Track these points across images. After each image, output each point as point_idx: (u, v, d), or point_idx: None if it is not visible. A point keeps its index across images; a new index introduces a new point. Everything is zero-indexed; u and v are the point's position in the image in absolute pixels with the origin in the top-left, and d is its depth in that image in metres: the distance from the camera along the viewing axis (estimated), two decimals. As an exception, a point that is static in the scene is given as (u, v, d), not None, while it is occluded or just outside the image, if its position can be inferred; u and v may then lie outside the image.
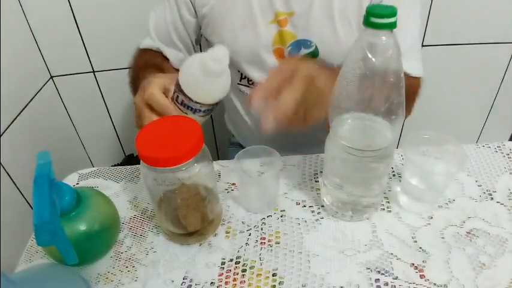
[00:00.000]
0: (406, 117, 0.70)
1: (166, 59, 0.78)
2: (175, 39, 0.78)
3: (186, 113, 0.51)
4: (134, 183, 0.64)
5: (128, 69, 0.77)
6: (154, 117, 0.51)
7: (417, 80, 0.71)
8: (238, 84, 0.77)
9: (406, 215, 0.54)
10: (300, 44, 0.69)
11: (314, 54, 0.70)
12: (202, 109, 0.50)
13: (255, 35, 0.70)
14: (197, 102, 0.49)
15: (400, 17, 0.59)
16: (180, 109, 0.50)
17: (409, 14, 0.68)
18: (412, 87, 0.69)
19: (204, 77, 0.47)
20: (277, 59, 0.72)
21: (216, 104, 0.52)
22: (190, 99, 0.49)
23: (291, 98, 0.46)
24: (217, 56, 0.46)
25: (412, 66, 0.69)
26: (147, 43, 0.79)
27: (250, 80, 0.75)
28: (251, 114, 0.83)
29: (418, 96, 0.72)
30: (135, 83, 0.70)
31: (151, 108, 0.51)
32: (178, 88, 0.49)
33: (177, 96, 0.50)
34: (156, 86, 0.51)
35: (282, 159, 0.56)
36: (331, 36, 0.68)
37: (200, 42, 0.84)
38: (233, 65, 0.74)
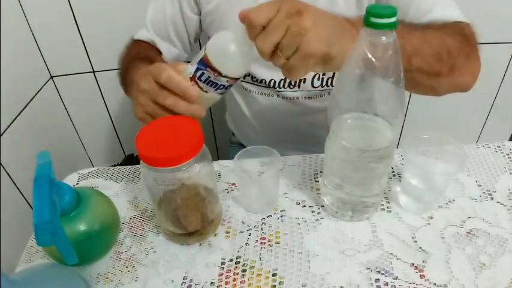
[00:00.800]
0: (479, 72, 0.61)
1: (159, 52, 0.78)
2: (173, 35, 0.77)
3: (207, 91, 0.51)
4: (134, 183, 0.64)
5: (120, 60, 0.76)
6: (180, 101, 0.49)
7: (467, 25, 0.62)
8: (241, 81, 0.77)
9: (406, 215, 0.54)
10: None
11: None
12: (227, 84, 0.51)
13: None
14: (226, 76, 0.49)
15: None
16: (200, 87, 0.50)
17: None
18: (467, 30, 0.61)
19: (239, 49, 0.48)
20: None
21: (238, 79, 0.52)
22: (219, 73, 0.49)
23: (265, 46, 0.44)
24: None
25: (451, 13, 0.62)
26: (142, 34, 0.77)
27: (254, 77, 0.75)
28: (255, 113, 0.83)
29: (478, 42, 0.62)
30: (125, 73, 0.68)
31: (169, 91, 0.50)
32: (205, 65, 0.49)
33: (202, 74, 0.49)
34: (171, 69, 0.49)
35: (282, 159, 0.56)
36: None
37: (200, 39, 0.83)
38: None
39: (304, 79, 0.73)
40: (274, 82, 0.74)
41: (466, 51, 0.58)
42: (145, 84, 0.51)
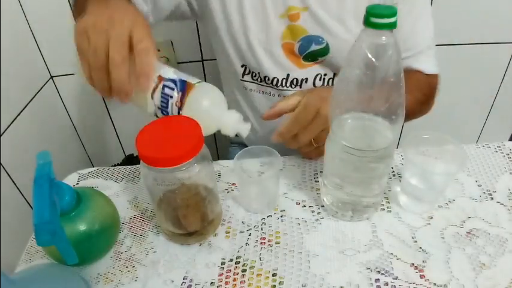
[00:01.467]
0: (425, 113, 0.74)
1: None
2: None
3: (152, 99, 0.46)
4: (134, 183, 0.64)
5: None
6: (124, 70, 0.44)
7: (435, 77, 0.74)
8: (241, 80, 0.77)
9: (406, 215, 0.54)
10: (311, 39, 0.69)
11: (325, 51, 0.70)
12: (171, 117, 0.48)
13: (265, 26, 0.69)
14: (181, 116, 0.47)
15: (416, 16, 0.64)
16: (152, 92, 0.45)
17: (422, 13, 0.69)
18: (432, 85, 0.73)
19: (214, 122, 0.47)
20: (285, 54, 0.71)
21: None
22: (179, 110, 0.45)
23: (307, 138, 0.54)
24: (243, 131, 0.49)
25: (429, 65, 0.72)
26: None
27: (255, 75, 0.75)
28: (256, 111, 0.83)
29: (438, 92, 0.75)
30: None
31: (130, 54, 0.44)
32: (183, 91, 0.45)
33: (170, 89, 0.45)
34: (154, 45, 0.44)
35: (282, 159, 0.56)
36: (342, 33, 0.68)
37: (197, 23, 0.79)
38: (238, 56, 0.74)
39: (306, 79, 0.73)
40: (277, 80, 0.74)
41: (425, 107, 0.74)
42: (118, 20, 0.43)
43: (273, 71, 0.73)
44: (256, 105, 0.80)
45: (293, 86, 0.74)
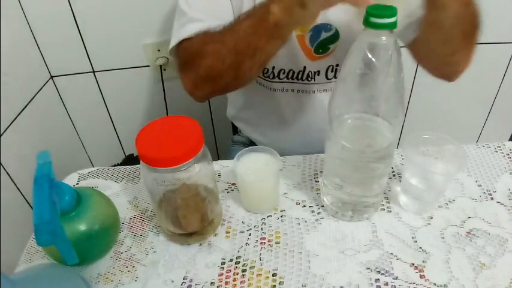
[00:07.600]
0: (466, 66, 0.67)
1: None
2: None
3: None
4: (134, 183, 0.64)
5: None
6: None
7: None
8: (257, 77, 0.77)
9: (406, 215, 0.54)
10: (320, 28, 0.69)
11: (335, 37, 0.70)
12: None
13: None
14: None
15: None
16: None
17: None
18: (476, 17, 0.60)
19: None
20: (301, 46, 0.71)
21: None
22: None
23: None
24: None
25: None
26: (193, 30, 0.61)
27: (266, 72, 0.75)
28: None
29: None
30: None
31: None
32: None
33: None
34: None
35: (282, 159, 0.56)
36: (349, 18, 0.67)
37: None
38: None
39: (319, 71, 0.73)
40: (293, 73, 0.74)
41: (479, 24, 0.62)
42: None
43: (288, 64, 0.73)
44: (270, 102, 0.79)
45: (309, 79, 0.74)
